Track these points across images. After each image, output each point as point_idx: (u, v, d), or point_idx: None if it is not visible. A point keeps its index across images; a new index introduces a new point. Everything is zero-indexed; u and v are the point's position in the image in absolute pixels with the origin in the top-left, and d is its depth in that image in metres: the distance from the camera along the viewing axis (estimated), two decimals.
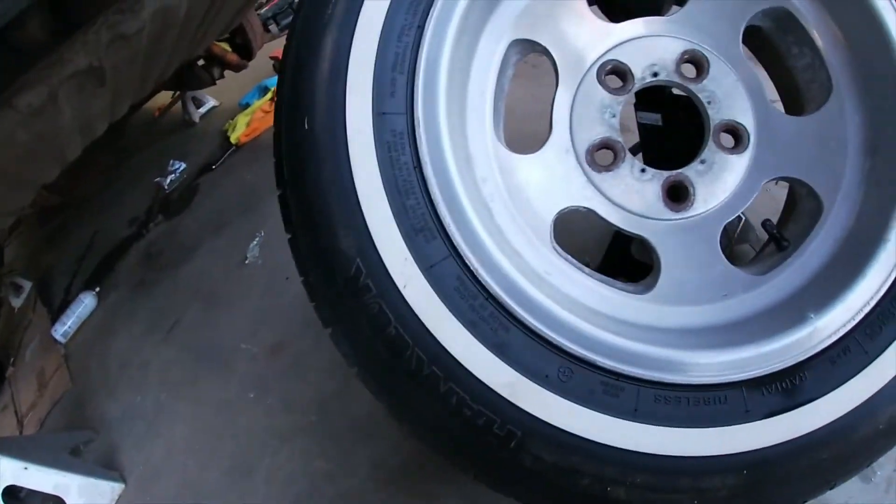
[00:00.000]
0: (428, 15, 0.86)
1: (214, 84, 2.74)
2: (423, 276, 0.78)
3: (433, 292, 0.78)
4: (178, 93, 3.04)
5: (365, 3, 0.85)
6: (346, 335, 0.83)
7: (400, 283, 0.78)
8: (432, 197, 0.80)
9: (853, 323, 0.81)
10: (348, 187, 0.80)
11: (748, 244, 1.05)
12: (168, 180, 2.56)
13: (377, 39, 0.84)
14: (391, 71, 0.83)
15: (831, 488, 0.84)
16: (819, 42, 0.98)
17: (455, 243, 0.79)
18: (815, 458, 0.79)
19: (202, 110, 3.05)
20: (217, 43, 2.62)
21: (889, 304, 0.83)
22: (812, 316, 0.81)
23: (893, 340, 0.82)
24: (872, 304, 0.82)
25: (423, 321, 0.78)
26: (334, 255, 0.80)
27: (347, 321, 0.81)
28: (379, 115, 0.82)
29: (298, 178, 0.83)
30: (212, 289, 1.81)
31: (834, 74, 0.96)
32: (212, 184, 2.36)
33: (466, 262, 0.79)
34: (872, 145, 0.93)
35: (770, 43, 1.03)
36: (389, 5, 0.85)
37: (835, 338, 0.81)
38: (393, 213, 0.79)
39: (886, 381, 0.81)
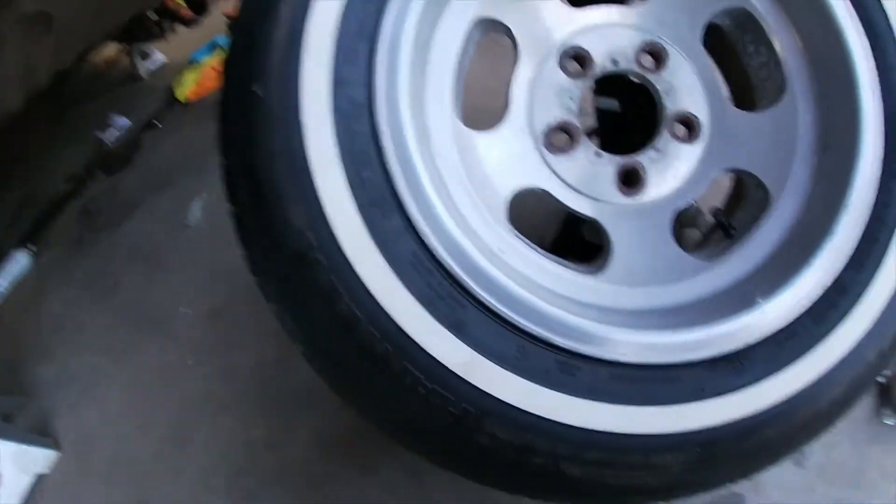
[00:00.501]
0: None
1: (164, 38, 2.62)
2: (377, 251, 0.76)
3: (388, 268, 0.76)
4: (126, 45, 2.89)
5: None
6: (293, 312, 0.80)
7: (353, 258, 0.75)
8: (389, 169, 0.78)
9: (800, 308, 0.84)
10: (300, 157, 0.76)
11: (697, 229, 1.07)
12: (110, 135, 2.43)
13: (340, 3, 0.81)
14: (353, 38, 0.81)
15: (774, 464, 0.87)
16: (776, 43, 1.00)
17: (411, 218, 0.77)
18: (762, 436, 0.81)
19: (150, 65, 2.91)
20: None
21: (834, 292, 0.86)
22: (760, 300, 0.83)
23: (837, 327, 0.85)
24: (819, 291, 0.85)
25: (377, 298, 0.75)
26: (283, 227, 0.76)
27: (295, 297, 0.78)
28: (337, 82, 0.79)
29: (246, 145, 0.79)
30: (152, 250, 1.75)
31: (789, 74, 0.99)
32: (156, 141, 2.28)
33: (423, 237, 0.77)
34: (822, 143, 0.96)
35: (727, 40, 1.06)
36: None
37: (782, 322, 0.83)
38: (348, 184, 0.76)
39: (829, 366, 0.84)
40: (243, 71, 0.81)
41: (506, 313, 0.77)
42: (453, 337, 0.76)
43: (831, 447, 1.17)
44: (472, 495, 1.16)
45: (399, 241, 0.77)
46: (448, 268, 0.77)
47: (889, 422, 1.21)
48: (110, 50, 2.94)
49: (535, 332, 0.77)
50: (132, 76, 2.87)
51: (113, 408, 1.40)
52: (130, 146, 2.33)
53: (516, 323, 0.77)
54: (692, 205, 1.03)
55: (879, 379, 1.23)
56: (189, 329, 1.48)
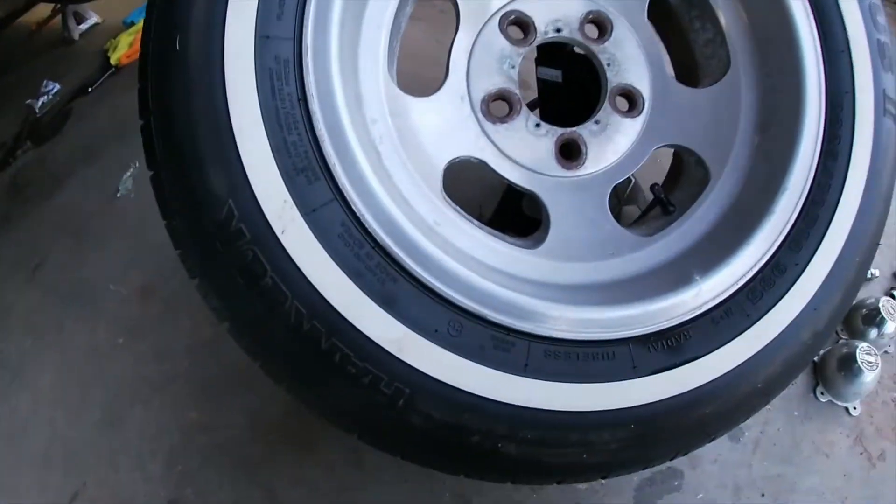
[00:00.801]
0: None
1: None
2: (303, 221, 0.71)
3: (315, 239, 0.71)
4: (58, 6, 2.71)
5: None
6: (216, 286, 0.74)
7: (278, 229, 0.70)
8: (317, 133, 0.73)
9: (736, 287, 0.83)
10: (222, 119, 0.71)
11: (636, 205, 1.07)
12: (40, 103, 2.28)
13: None
14: None
15: (711, 440, 0.87)
16: (723, 20, 0.99)
17: (340, 186, 0.73)
18: (698, 413, 0.81)
19: (83, 27, 2.73)
20: None
21: (770, 271, 0.85)
22: (697, 278, 0.82)
23: (773, 306, 0.84)
24: (755, 270, 0.84)
25: (304, 271, 0.70)
26: (203, 195, 0.71)
27: (217, 271, 0.73)
28: (262, 38, 0.73)
29: (165, 106, 0.73)
30: (81, 224, 1.65)
31: (733, 52, 0.98)
32: (86, 108, 2.14)
33: (352, 206, 0.73)
34: (764, 122, 0.96)
35: (674, 16, 1.04)
36: None
37: (719, 299, 0.82)
38: (272, 149, 0.71)
39: (765, 344, 0.83)
40: (163, 22, 0.75)
41: (439, 287, 0.74)
42: (384, 312, 0.72)
43: (767, 423, 1.19)
44: (414, 475, 1.14)
45: (326, 210, 0.72)
46: (378, 239, 0.73)
47: (823, 398, 1.24)
48: (43, 10, 2.75)
49: (468, 308, 0.74)
50: (64, 39, 2.70)
51: (44, 392, 1.33)
52: (60, 114, 2.20)
53: (449, 298, 0.74)
54: (631, 180, 1.02)
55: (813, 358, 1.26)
56: (120, 307, 1.40)
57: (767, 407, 0.90)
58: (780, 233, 0.86)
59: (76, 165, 1.85)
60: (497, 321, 0.75)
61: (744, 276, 0.84)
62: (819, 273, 0.87)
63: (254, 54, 0.73)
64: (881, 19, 0.97)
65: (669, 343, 0.80)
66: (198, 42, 0.73)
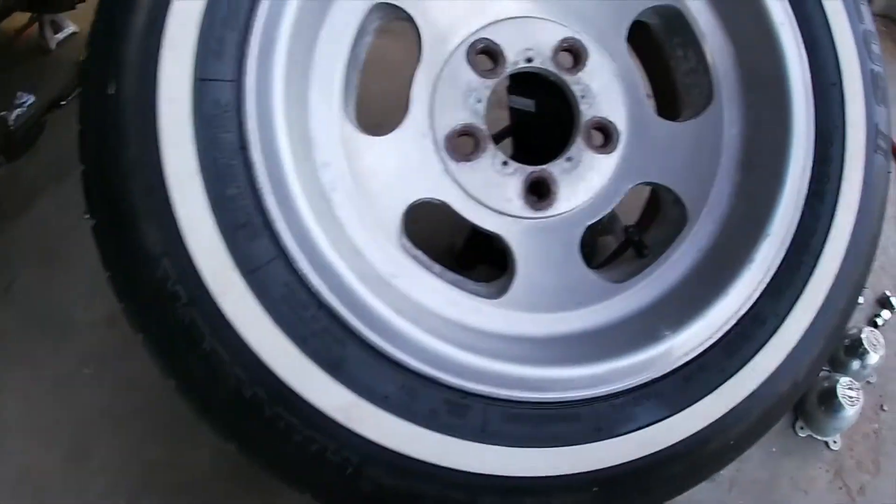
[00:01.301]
0: None
1: (74, 8, 2.39)
2: (243, 282, 0.66)
3: (256, 302, 0.66)
4: (35, 15, 2.63)
5: None
6: (157, 347, 0.70)
7: (215, 291, 0.66)
8: (258, 186, 0.67)
9: (711, 341, 0.79)
10: (156, 170, 0.65)
11: (613, 235, 1.01)
12: (14, 115, 2.21)
13: None
14: (221, 26, 0.69)
15: (680, 494, 0.83)
16: (706, 47, 0.93)
17: (283, 243, 0.67)
18: (665, 473, 0.77)
19: (60, 36, 2.66)
20: None
21: (749, 323, 0.81)
22: (668, 333, 0.77)
23: (750, 359, 0.80)
24: (732, 322, 0.80)
25: (243, 336, 0.66)
26: (138, 253, 0.66)
27: (157, 332, 0.68)
28: (200, 80, 0.68)
29: (100, 154, 0.68)
30: (51, 245, 1.59)
31: (717, 82, 0.92)
32: (60, 122, 2.07)
33: (296, 265, 0.68)
34: (747, 159, 0.90)
35: (655, 42, 0.97)
36: None
37: (691, 355, 0.78)
38: (209, 203, 0.66)
39: (740, 400, 0.79)
40: (98, 63, 0.69)
41: (389, 351, 0.69)
42: (329, 378, 0.68)
43: (743, 460, 1.11)
44: None
45: (268, 269, 0.67)
46: (324, 300, 0.68)
47: (802, 433, 1.20)
48: (20, 18, 2.67)
49: (421, 371, 0.70)
50: (41, 48, 2.63)
51: (13, 422, 1.29)
52: (34, 127, 2.14)
53: (400, 361, 0.69)
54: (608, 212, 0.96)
55: None
56: (87, 335, 1.36)
57: None
58: (761, 282, 0.81)
59: (48, 183, 1.79)
60: (451, 384, 0.70)
61: (719, 329, 0.79)
62: (800, 323, 0.83)
63: (191, 99, 0.67)
64: (876, 48, 0.92)
65: (637, 402, 0.76)
66: (131, 85, 0.67)
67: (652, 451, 0.76)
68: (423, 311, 0.77)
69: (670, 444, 0.76)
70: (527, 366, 0.75)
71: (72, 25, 2.75)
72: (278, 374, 0.66)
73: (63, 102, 2.24)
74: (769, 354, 0.81)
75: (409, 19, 0.83)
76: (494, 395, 0.72)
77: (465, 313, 0.80)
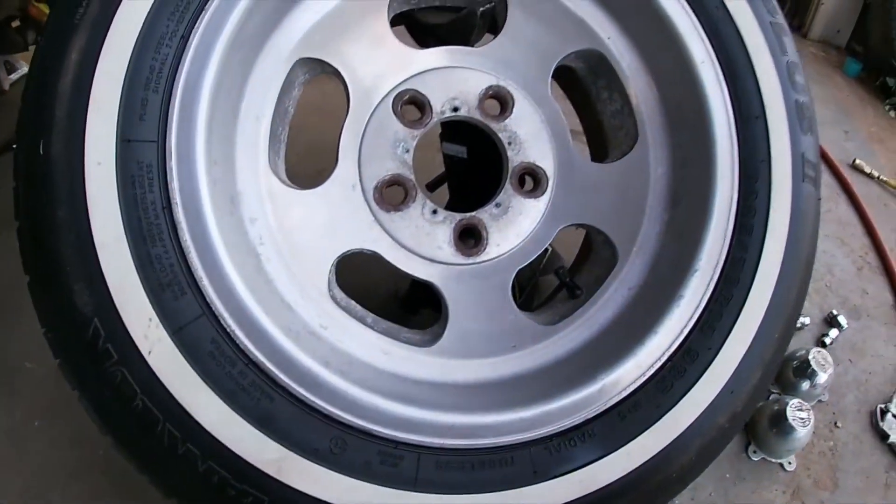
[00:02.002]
0: (196, 23, 0.73)
1: (27, 49, 2.39)
2: (170, 340, 0.67)
3: (183, 359, 0.67)
4: None
5: (123, 2, 0.70)
6: (92, 404, 0.70)
7: (144, 349, 0.66)
8: (183, 245, 0.68)
9: (643, 379, 0.79)
10: (84, 231, 0.67)
11: (554, 274, 1.02)
12: None
13: (132, 48, 0.70)
14: (143, 88, 0.70)
15: None
16: (630, 89, 0.95)
17: (209, 300, 0.68)
18: None
19: (14, 77, 2.66)
20: (35, 4, 2.28)
21: (681, 358, 0.81)
22: (599, 374, 0.78)
23: (685, 394, 0.80)
24: (664, 359, 0.80)
25: (173, 393, 0.67)
26: (70, 312, 0.67)
27: (91, 390, 0.69)
28: (124, 142, 0.69)
29: (32, 213, 0.69)
30: (0, 297, 1.54)
31: (641, 123, 0.94)
32: (10, 166, 2.05)
33: (222, 321, 0.68)
34: (674, 197, 0.92)
35: (581, 85, 1.00)
36: (151, 7, 0.71)
37: (624, 394, 0.78)
38: (135, 263, 0.67)
39: (678, 434, 0.80)
40: (30, 122, 0.70)
41: (318, 404, 0.69)
42: (259, 433, 0.68)
43: (696, 488, 1.15)
44: None
45: (195, 327, 0.68)
46: (251, 355, 0.69)
47: (756, 457, 1.20)
48: None
49: (351, 423, 0.70)
50: None
51: None
52: None
53: (330, 414, 0.70)
54: (549, 249, 0.97)
55: None
56: (36, 387, 1.32)
57: None
58: (691, 317, 0.82)
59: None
60: (383, 435, 0.71)
61: (651, 366, 0.80)
62: (734, 355, 0.83)
63: (115, 160, 0.68)
64: (799, 78, 0.93)
65: (572, 443, 0.76)
66: (59, 146, 0.68)
67: (591, 490, 0.76)
68: (353, 363, 0.77)
69: (609, 482, 0.77)
70: (459, 413, 0.75)
71: (26, 66, 2.76)
72: (209, 429, 0.67)
73: (13, 146, 2.23)
74: (704, 388, 0.81)
75: (336, 73, 0.85)
76: (427, 444, 0.72)
77: (397, 363, 0.80)
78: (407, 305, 1.10)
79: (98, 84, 0.69)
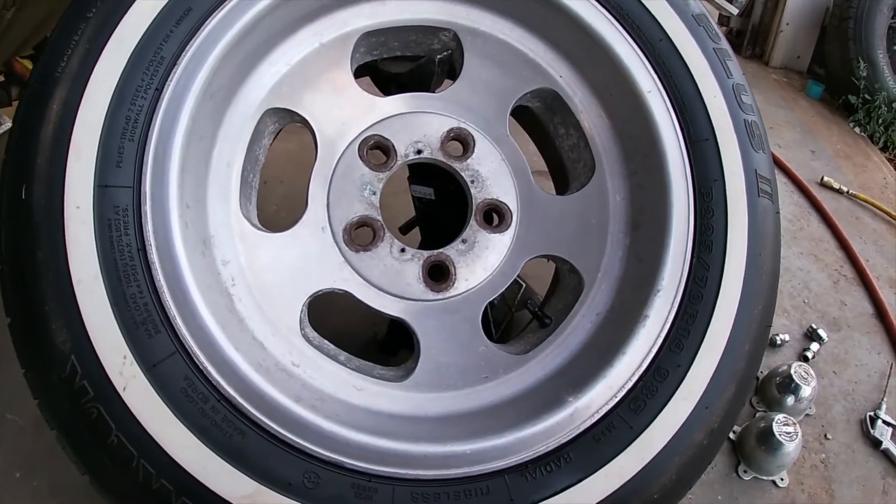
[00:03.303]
0: (169, 76, 0.77)
1: (10, 105, 2.46)
2: (144, 377, 0.68)
3: (157, 395, 0.68)
4: None
5: (101, 56, 0.75)
6: (69, 441, 0.71)
7: (119, 385, 0.68)
8: (156, 285, 0.71)
9: (615, 400, 0.80)
10: (62, 272, 0.69)
11: (524, 306, 1.04)
12: None
13: (108, 100, 0.75)
14: (120, 137, 0.74)
15: None
16: (585, 123, 0.98)
17: (182, 338, 0.70)
18: None
19: None
20: (19, 60, 2.36)
21: (651, 378, 0.82)
22: (570, 398, 0.79)
23: (659, 413, 0.81)
24: (634, 379, 0.81)
25: (147, 429, 0.68)
26: (48, 350, 0.69)
27: (68, 426, 0.70)
28: (102, 187, 0.72)
29: (13, 255, 0.71)
30: None
31: (597, 154, 0.97)
32: None
33: (195, 359, 0.70)
34: (634, 222, 0.95)
35: (539, 123, 1.03)
36: (127, 62, 0.76)
37: (597, 416, 0.79)
38: (111, 303, 0.69)
39: (655, 454, 0.79)
40: (12, 168, 0.73)
41: (290, 438, 0.70)
42: (231, 468, 0.68)
43: None
44: None
45: (168, 364, 0.69)
46: (223, 391, 0.70)
47: (747, 476, 1.19)
48: None
49: (323, 456, 0.71)
50: None
51: None
52: None
53: (302, 448, 0.70)
54: (522, 286, 1.00)
55: (730, 436, 1.22)
56: (16, 438, 1.32)
57: (689, 496, 0.85)
58: (658, 336, 0.83)
59: None
60: (356, 468, 0.71)
61: (622, 387, 0.81)
62: (705, 370, 0.84)
63: (93, 204, 0.71)
64: (747, 99, 0.97)
65: (548, 469, 0.76)
66: (40, 191, 0.71)
67: None
68: (325, 398, 0.78)
69: None
70: (432, 444, 0.75)
71: (8, 121, 2.82)
72: (182, 464, 0.68)
73: None
74: (677, 406, 0.82)
75: (304, 121, 0.89)
76: (401, 476, 0.72)
77: (370, 398, 0.81)
78: (386, 347, 1.11)
79: (78, 133, 0.73)
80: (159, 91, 0.77)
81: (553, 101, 0.99)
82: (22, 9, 1.55)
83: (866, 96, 2.59)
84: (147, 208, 0.73)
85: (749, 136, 0.96)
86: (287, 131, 1.06)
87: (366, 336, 1.22)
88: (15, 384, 1.46)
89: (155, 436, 0.68)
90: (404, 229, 1.09)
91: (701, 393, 0.84)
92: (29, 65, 2.41)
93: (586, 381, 0.81)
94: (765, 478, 1.20)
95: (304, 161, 0.95)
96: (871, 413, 1.34)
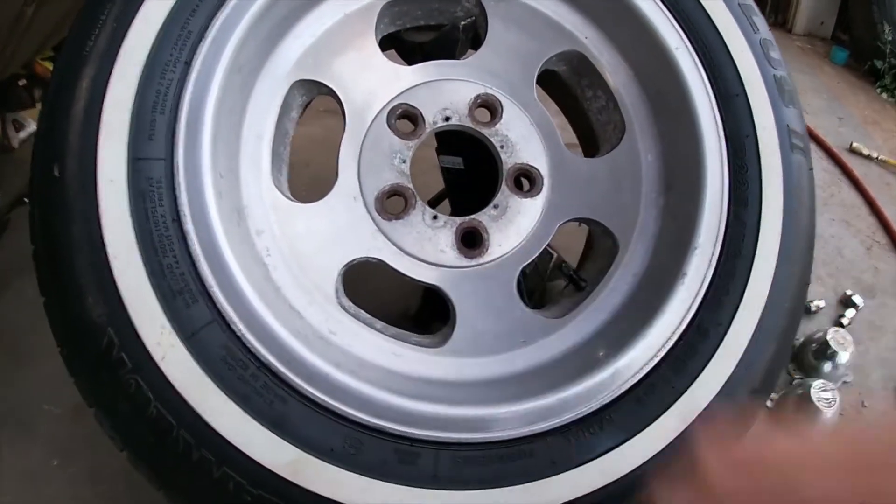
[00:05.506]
0: (197, 49, 0.78)
1: (35, 106, 2.49)
2: (183, 346, 0.68)
3: (196, 364, 0.68)
4: None
5: (128, 34, 0.76)
6: (107, 416, 0.71)
7: (157, 356, 0.68)
8: (192, 254, 0.71)
9: (655, 360, 0.79)
10: (98, 245, 0.69)
11: (558, 270, 1.03)
12: None
13: (138, 75, 0.75)
14: (151, 111, 0.74)
15: None
16: (612, 83, 0.98)
17: (219, 306, 0.70)
18: (631, 497, 0.75)
19: (22, 135, 2.73)
20: (40, 62, 2.40)
21: (692, 336, 0.81)
22: (611, 357, 0.78)
23: (700, 372, 0.80)
24: (675, 339, 0.80)
25: (186, 398, 0.67)
26: (85, 324, 0.69)
27: (106, 401, 0.70)
28: (135, 160, 0.72)
29: (47, 233, 0.72)
30: (15, 340, 1.57)
31: (627, 115, 0.97)
32: (25, 218, 2.12)
33: (233, 327, 0.70)
34: (666, 183, 0.94)
35: (566, 87, 1.03)
36: (155, 38, 0.76)
37: (639, 376, 0.78)
38: (147, 273, 0.69)
39: (697, 415, 0.78)
40: (44, 147, 0.75)
41: (331, 404, 0.70)
42: (273, 435, 0.68)
43: None
44: None
45: (206, 332, 0.69)
46: (263, 359, 0.70)
47: None
48: None
49: (365, 422, 0.70)
50: (3, 146, 2.73)
51: None
52: None
53: (343, 413, 0.70)
54: (553, 255, 0.98)
55: (767, 404, 1.20)
56: (53, 427, 1.33)
57: None
58: (697, 294, 0.82)
59: (12, 279, 1.83)
60: (398, 432, 0.71)
61: (662, 346, 0.80)
62: (746, 329, 0.83)
63: (126, 177, 0.71)
64: (775, 54, 0.95)
65: (591, 431, 0.75)
66: (73, 167, 0.72)
67: (614, 477, 0.75)
68: (364, 365, 0.78)
69: (633, 468, 0.75)
70: (473, 407, 0.75)
71: (34, 124, 2.86)
72: (223, 433, 0.67)
73: (26, 200, 2.30)
74: (718, 365, 0.80)
75: (331, 93, 0.89)
76: (443, 440, 0.72)
77: (408, 364, 0.80)
78: (420, 322, 1.11)
79: (108, 109, 0.73)
80: (188, 64, 0.77)
81: (579, 63, 0.98)
82: (42, 5, 1.57)
83: (892, 60, 2.52)
84: (180, 179, 0.73)
85: (779, 90, 0.95)
86: (309, 115, 1.06)
87: (398, 311, 1.22)
88: (50, 375, 1.50)
89: (195, 405, 0.67)
90: (433, 203, 1.08)
91: (741, 352, 0.82)
92: (49, 66, 2.45)
93: (626, 341, 0.80)
94: None
95: (328, 144, 0.95)
96: None
